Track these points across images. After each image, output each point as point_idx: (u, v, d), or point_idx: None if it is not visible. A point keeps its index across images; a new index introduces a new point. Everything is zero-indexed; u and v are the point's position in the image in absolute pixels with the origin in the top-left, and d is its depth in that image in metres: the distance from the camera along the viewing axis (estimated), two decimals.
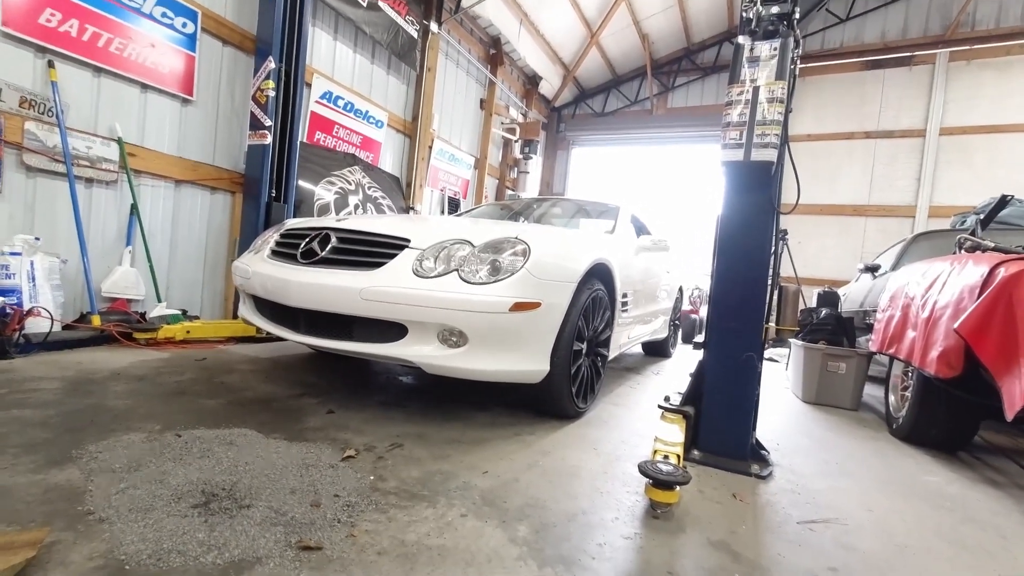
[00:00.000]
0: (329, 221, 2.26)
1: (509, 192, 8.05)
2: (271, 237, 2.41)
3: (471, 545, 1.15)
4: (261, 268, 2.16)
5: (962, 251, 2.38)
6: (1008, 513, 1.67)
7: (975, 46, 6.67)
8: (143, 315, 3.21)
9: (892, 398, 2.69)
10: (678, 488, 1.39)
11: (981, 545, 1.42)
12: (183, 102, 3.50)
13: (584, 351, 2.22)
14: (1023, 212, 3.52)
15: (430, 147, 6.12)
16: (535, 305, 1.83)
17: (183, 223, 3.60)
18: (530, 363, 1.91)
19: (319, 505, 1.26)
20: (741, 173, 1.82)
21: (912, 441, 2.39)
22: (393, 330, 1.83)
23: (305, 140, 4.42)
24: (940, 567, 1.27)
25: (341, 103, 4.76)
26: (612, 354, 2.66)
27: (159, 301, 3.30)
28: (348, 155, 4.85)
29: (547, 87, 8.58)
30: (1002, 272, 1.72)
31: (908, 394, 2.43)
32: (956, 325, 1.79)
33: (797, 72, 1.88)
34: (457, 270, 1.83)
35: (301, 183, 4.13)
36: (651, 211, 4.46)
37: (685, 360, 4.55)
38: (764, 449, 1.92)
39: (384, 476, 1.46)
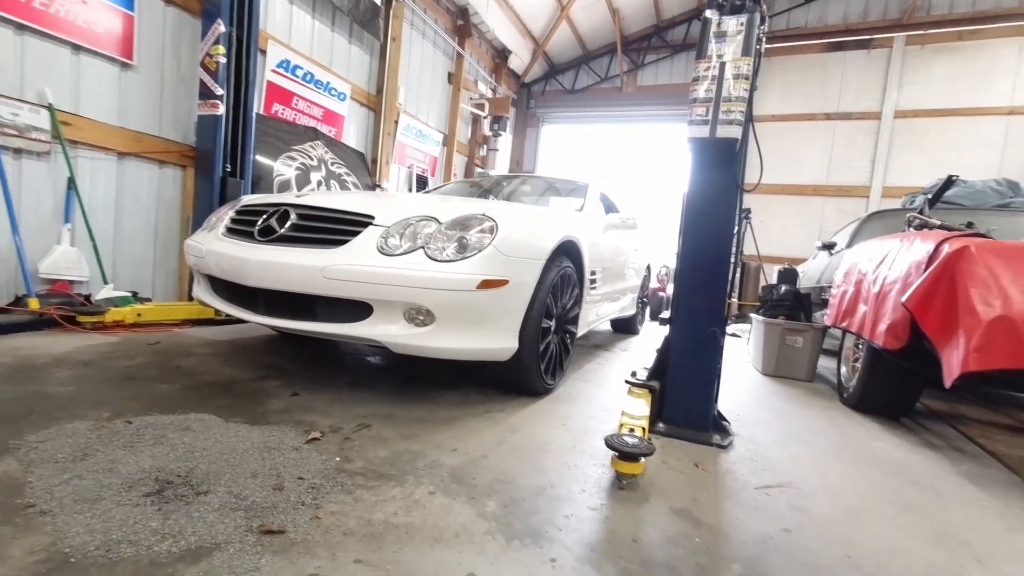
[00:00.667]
0: (288, 197, 2.17)
1: (478, 170, 7.92)
2: (226, 214, 2.29)
3: (439, 522, 1.14)
4: (216, 246, 2.06)
5: (911, 229, 2.49)
6: (945, 474, 1.80)
7: (930, 31, 6.89)
8: (88, 297, 3.02)
9: (844, 369, 2.83)
10: (643, 459, 1.42)
11: (921, 505, 1.52)
12: (122, 67, 3.23)
13: (553, 328, 2.23)
14: (967, 192, 3.71)
15: (396, 122, 5.92)
16: (503, 282, 1.81)
17: (129, 199, 3.37)
18: (498, 341, 1.90)
19: (282, 488, 1.23)
20: (707, 150, 1.83)
21: (861, 409, 2.53)
22: (358, 309, 1.78)
23: (262, 112, 4.19)
24: (884, 526, 1.35)
25: (300, 73, 4.52)
26: (581, 331, 2.68)
27: (105, 282, 3.10)
28: (309, 129, 4.63)
29: (517, 62, 8.40)
30: (946, 248, 1.80)
31: (858, 365, 2.56)
32: (904, 299, 1.88)
33: (763, 50, 1.88)
34: (423, 247, 1.78)
35: (259, 158, 3.93)
36: (620, 190, 4.48)
37: (653, 337, 4.66)
38: (725, 420, 1.99)
39: (351, 457, 1.43)
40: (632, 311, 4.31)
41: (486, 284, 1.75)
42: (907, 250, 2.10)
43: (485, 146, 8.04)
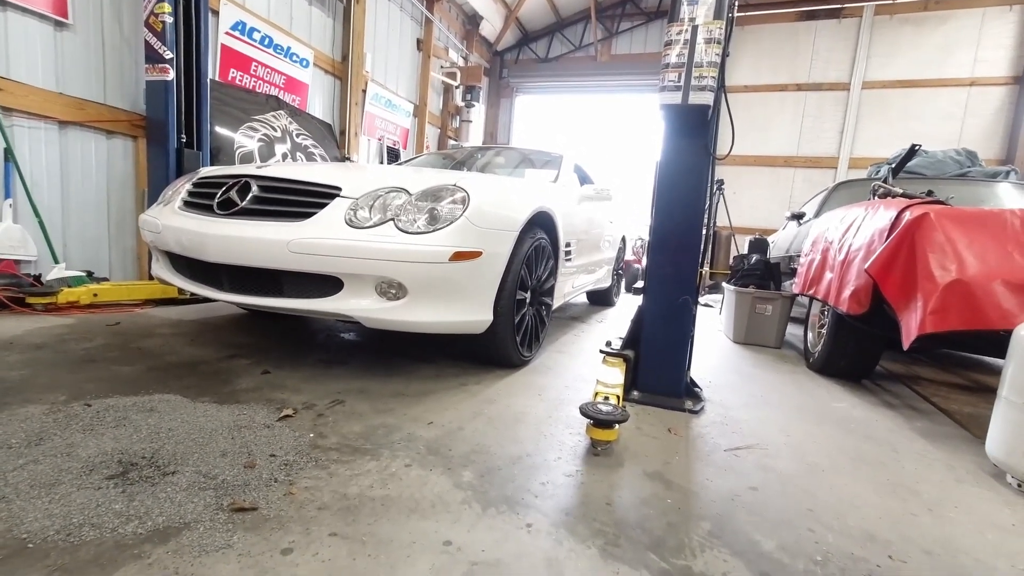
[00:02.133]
0: (249, 168, 2.06)
1: (451, 142, 7.74)
2: (183, 187, 2.18)
3: (415, 493, 1.14)
4: (172, 221, 1.96)
5: (875, 198, 2.55)
6: (900, 430, 1.90)
7: (897, 0, 6.95)
8: (37, 278, 2.86)
9: (810, 335, 2.93)
10: (617, 426, 1.44)
11: (877, 459, 1.60)
12: (56, 25, 2.96)
13: (528, 300, 2.23)
14: (929, 162, 3.82)
15: (364, 91, 5.69)
16: (476, 254, 1.78)
17: (75, 172, 3.16)
18: (473, 313, 1.88)
19: (254, 466, 1.20)
20: (679, 117, 1.81)
21: (825, 373, 2.64)
22: (327, 284, 1.73)
23: (217, 78, 3.96)
24: (843, 479, 1.42)
25: (257, 36, 4.27)
26: (556, 303, 2.68)
27: (56, 262, 2.93)
28: (271, 98, 4.40)
29: (489, 28, 8.13)
30: (907, 216, 1.85)
31: (824, 331, 2.65)
32: (867, 266, 1.93)
33: (735, 16, 1.86)
34: (394, 219, 1.73)
35: (218, 129, 3.73)
36: (595, 161, 4.44)
37: (628, 308, 4.72)
38: (697, 386, 2.04)
39: (324, 433, 1.41)
40: (608, 283, 4.34)
41: (459, 256, 1.72)
42: (871, 218, 2.16)
43: (458, 117, 7.84)
